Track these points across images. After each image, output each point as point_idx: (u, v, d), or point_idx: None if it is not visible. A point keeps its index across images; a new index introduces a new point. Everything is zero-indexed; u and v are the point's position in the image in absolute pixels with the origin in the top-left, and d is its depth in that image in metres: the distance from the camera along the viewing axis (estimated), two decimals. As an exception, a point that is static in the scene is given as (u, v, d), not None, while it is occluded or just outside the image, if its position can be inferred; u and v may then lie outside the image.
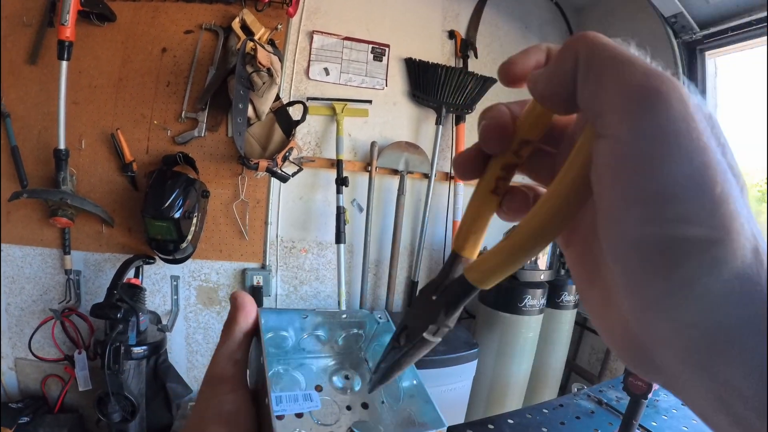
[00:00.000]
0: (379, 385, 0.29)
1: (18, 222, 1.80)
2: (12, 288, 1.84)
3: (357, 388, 0.36)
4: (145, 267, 1.94)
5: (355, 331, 0.39)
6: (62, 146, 1.66)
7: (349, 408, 0.34)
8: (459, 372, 1.71)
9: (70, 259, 1.82)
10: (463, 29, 2.28)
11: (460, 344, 1.75)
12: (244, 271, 2.00)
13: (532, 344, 1.93)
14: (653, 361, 0.18)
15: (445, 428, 0.30)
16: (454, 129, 2.19)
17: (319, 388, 0.34)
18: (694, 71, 2.00)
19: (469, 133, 2.25)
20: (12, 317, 1.85)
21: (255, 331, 0.34)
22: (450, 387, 1.71)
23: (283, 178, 1.70)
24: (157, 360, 1.81)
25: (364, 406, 0.34)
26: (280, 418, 0.29)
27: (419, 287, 2.23)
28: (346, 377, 0.37)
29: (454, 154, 2.18)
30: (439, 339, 0.26)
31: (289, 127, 1.79)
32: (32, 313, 1.85)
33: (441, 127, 2.10)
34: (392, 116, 2.13)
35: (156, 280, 1.98)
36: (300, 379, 0.35)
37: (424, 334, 0.25)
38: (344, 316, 0.38)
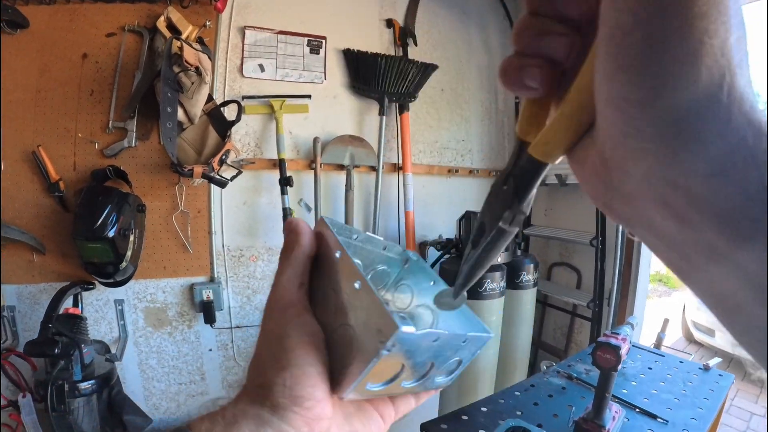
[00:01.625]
0: (463, 289, 0.29)
1: (-63, 259, 1.63)
2: (-62, 332, 1.67)
3: None
4: (85, 294, 1.80)
5: (384, 268, 0.38)
6: (-22, 170, 1.51)
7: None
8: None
9: (2, 294, 1.66)
10: (400, 18, 2.24)
11: (421, 336, 1.71)
12: (192, 287, 1.90)
13: (497, 327, 1.91)
14: (613, 183, 0.19)
15: (491, 337, 0.32)
16: (399, 119, 2.15)
17: None
18: None
19: (414, 122, 2.22)
20: (-59, 364, 1.68)
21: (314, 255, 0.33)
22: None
23: (222, 183, 1.61)
24: (111, 392, 1.68)
25: None
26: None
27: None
28: None
29: (400, 145, 2.15)
30: (516, 229, 0.25)
31: (224, 128, 1.70)
32: (-36, 357, 1.68)
33: (384, 117, 2.06)
34: (334, 110, 2.07)
35: (99, 306, 1.84)
36: None
37: (501, 223, 0.25)
38: (384, 248, 0.38)
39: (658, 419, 1.05)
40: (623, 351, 0.94)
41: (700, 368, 1.34)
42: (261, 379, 0.28)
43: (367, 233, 0.37)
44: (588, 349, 1.62)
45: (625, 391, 1.19)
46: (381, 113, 2.05)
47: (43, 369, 1.57)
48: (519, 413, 1.09)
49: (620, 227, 2.04)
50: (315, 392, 0.27)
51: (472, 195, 2.47)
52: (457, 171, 2.37)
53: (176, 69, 1.57)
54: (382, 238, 0.37)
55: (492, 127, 2.53)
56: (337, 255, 0.30)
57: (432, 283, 0.37)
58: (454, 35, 2.39)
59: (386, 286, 0.40)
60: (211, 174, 1.57)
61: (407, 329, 0.25)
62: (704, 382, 1.25)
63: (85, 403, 1.53)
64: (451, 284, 0.31)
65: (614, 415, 1.01)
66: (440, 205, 2.38)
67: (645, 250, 2.10)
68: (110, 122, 1.73)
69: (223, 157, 1.60)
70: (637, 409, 1.09)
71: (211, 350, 2.00)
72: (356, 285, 0.28)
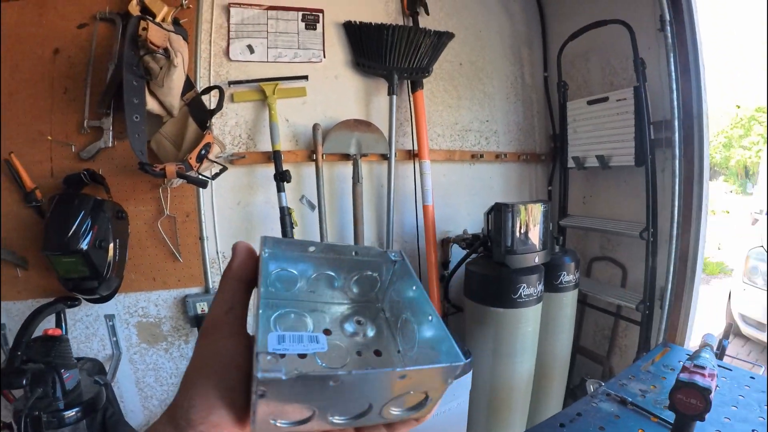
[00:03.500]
0: None
1: None
2: (-72, 353, 1.57)
3: (370, 335, 0.34)
4: (75, 309, 1.65)
5: (369, 273, 0.36)
6: (-51, 183, 1.41)
7: (359, 353, 0.32)
8: (453, 390, 1.42)
9: None
10: (408, -17, 1.95)
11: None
12: (185, 299, 1.70)
13: (533, 338, 1.64)
14: None
15: (462, 363, 0.28)
16: (411, 98, 1.87)
17: (328, 332, 0.33)
18: (677, 1, 1.72)
19: (430, 102, 1.95)
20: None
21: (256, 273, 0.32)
22: (445, 409, 1.42)
23: (201, 183, 1.39)
24: (105, 415, 1.56)
25: (377, 353, 0.32)
26: (282, 356, 0.28)
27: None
28: (359, 322, 0.35)
29: (414, 128, 1.88)
30: None
31: (204, 119, 1.47)
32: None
33: (395, 97, 1.78)
34: (335, 92, 1.81)
35: (89, 322, 1.70)
36: (308, 321, 0.33)
37: None
38: (355, 253, 0.35)
39: (738, 465, 0.79)
40: (713, 393, 0.68)
41: (774, 385, 1.06)
42: (176, 398, 0.29)
43: (326, 242, 0.36)
44: (639, 361, 1.35)
45: (727, 420, 0.93)
46: (390, 92, 1.78)
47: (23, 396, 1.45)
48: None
49: (676, 215, 1.72)
50: (210, 416, 0.27)
51: (498, 183, 2.18)
52: (481, 156, 2.07)
53: (141, 53, 1.37)
54: (350, 244, 0.37)
55: (519, 105, 2.22)
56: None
57: (414, 288, 0.35)
58: (469, 1, 2.09)
59: (380, 293, 0.37)
60: (188, 173, 1.34)
61: (268, 376, 0.23)
62: (783, 404, 0.98)
63: (72, 431, 1.38)
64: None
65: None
66: (463, 195, 2.10)
67: (701, 241, 1.78)
68: (85, 121, 1.57)
69: (202, 152, 1.37)
70: (710, 451, 0.83)
71: (211, 367, 1.81)
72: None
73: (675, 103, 1.70)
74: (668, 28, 1.69)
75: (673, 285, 1.79)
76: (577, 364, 2.25)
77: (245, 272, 0.32)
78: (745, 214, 4.00)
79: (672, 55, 1.69)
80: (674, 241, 1.74)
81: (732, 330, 3.40)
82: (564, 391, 1.93)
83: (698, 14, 1.73)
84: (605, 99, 1.89)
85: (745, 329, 3.17)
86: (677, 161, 1.72)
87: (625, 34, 1.78)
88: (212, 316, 0.31)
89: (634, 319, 1.94)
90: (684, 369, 0.72)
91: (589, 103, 1.95)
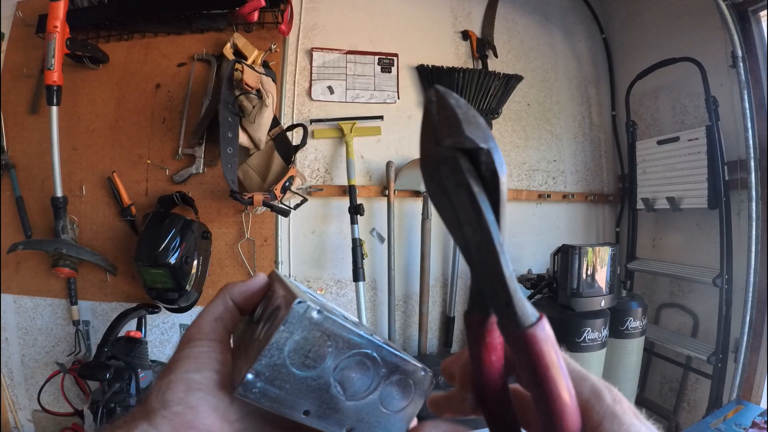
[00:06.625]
0: None
1: (27, 273, 1.75)
2: (26, 340, 1.78)
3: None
4: (152, 316, 1.81)
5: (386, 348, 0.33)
6: (59, 194, 1.61)
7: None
8: None
9: (77, 310, 1.75)
10: (477, 28, 2.05)
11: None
12: (255, 317, 1.81)
13: (596, 384, 1.61)
14: None
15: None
16: (480, 138, 1.93)
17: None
18: (749, 36, 1.68)
19: (498, 141, 1.96)
20: (28, 369, 1.80)
21: (252, 307, 0.31)
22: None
23: (284, 212, 1.50)
24: None
25: None
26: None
27: (456, 323, 1.96)
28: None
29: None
30: None
31: (289, 153, 1.60)
32: (46, 364, 1.78)
33: (464, 137, 1.85)
34: (408, 131, 1.90)
35: (164, 329, 1.84)
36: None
37: None
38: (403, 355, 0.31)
39: None
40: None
41: None
42: (153, 386, 0.28)
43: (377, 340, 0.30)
44: (709, 417, 1.28)
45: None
46: (460, 133, 1.85)
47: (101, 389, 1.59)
48: None
49: (753, 262, 1.64)
50: (187, 398, 0.25)
51: (565, 223, 2.18)
52: (548, 196, 2.09)
53: (236, 92, 1.52)
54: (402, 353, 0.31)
55: (587, 145, 2.22)
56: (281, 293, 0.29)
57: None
58: (537, 43, 2.16)
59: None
60: (273, 202, 1.47)
61: (304, 305, 0.24)
62: None
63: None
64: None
65: None
66: (528, 234, 2.12)
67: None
68: (180, 149, 1.76)
69: (286, 183, 1.50)
70: None
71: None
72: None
73: (750, 142, 1.63)
74: (741, 64, 1.64)
75: (749, 337, 1.69)
76: (641, 416, 2.15)
77: (245, 300, 0.30)
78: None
79: (746, 92, 1.63)
80: (751, 290, 1.65)
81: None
82: (626, 444, 1.85)
83: (773, 49, 1.69)
84: (676, 139, 1.86)
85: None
86: (754, 204, 1.64)
87: (696, 72, 1.75)
88: (198, 322, 0.30)
89: (704, 372, 1.83)
90: (754, 424, 0.69)
91: (659, 143, 1.92)
